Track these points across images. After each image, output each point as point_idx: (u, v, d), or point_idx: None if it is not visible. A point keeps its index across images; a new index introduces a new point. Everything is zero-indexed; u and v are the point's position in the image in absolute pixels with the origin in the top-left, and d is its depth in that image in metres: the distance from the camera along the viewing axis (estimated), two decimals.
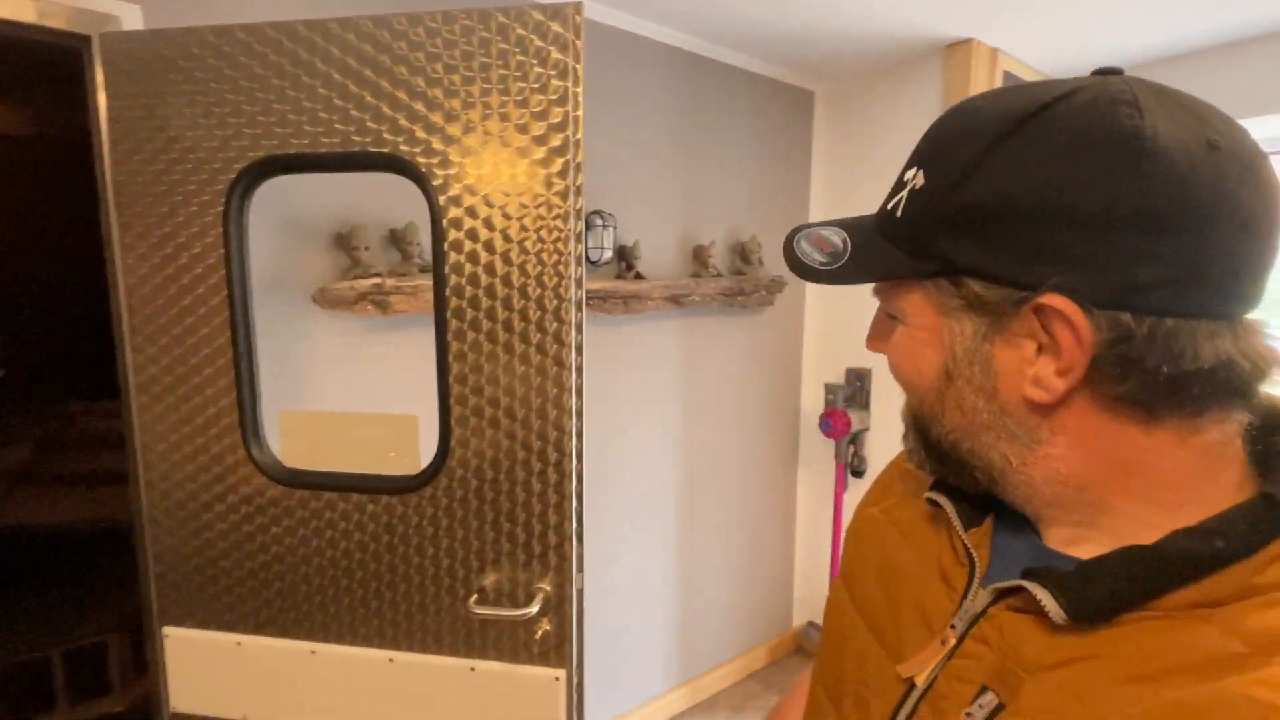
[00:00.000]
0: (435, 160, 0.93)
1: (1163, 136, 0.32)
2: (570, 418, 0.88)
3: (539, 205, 0.89)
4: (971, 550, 0.42)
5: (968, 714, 0.37)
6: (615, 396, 1.92)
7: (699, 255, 1.99)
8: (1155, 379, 0.33)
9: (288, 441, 1.20)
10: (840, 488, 2.38)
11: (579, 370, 0.89)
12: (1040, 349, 0.35)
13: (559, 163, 0.89)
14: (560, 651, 0.91)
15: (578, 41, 0.89)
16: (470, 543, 0.96)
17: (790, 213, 2.33)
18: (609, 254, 1.74)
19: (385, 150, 0.95)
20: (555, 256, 0.88)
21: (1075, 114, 0.33)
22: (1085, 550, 0.37)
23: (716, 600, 2.31)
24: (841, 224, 0.45)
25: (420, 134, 0.93)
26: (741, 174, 2.15)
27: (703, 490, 2.22)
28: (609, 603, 1.98)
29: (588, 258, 1.73)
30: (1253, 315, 0.34)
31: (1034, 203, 0.33)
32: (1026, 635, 0.36)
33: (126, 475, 1.28)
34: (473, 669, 0.97)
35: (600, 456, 1.89)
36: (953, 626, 0.41)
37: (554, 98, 0.89)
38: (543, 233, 0.89)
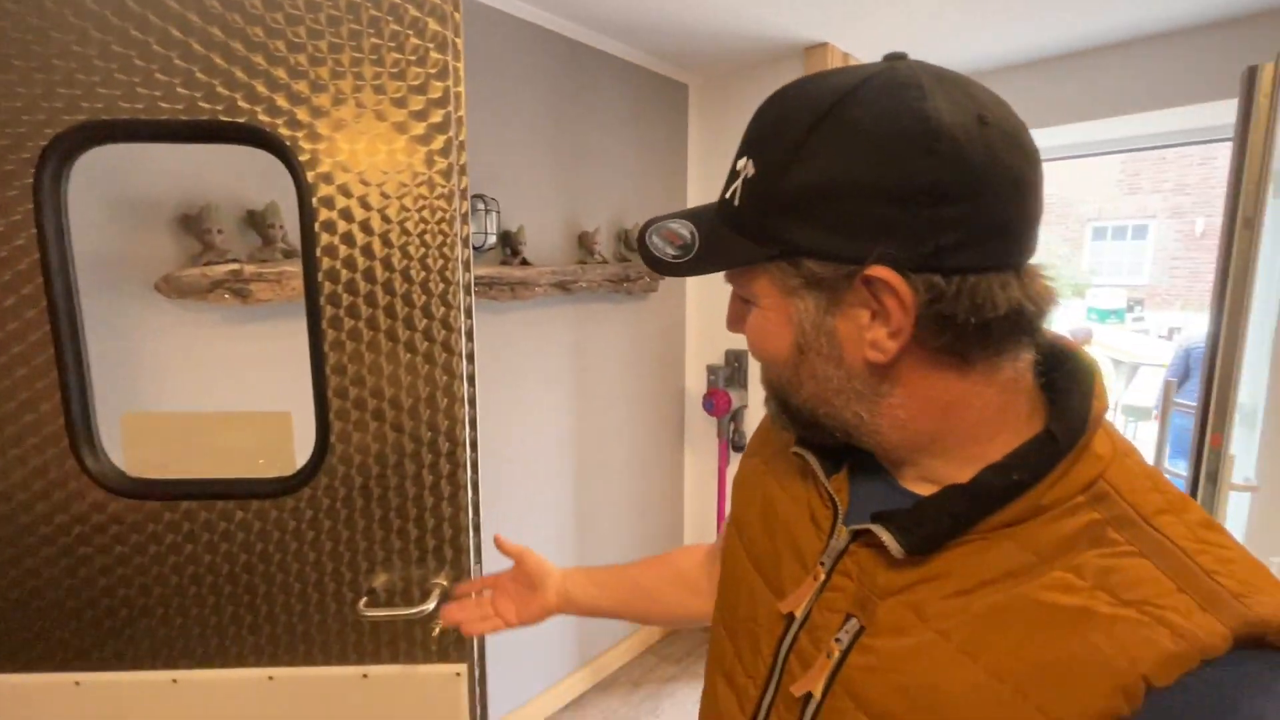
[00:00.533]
0: (301, 132, 0.85)
1: (944, 115, 0.36)
2: (463, 405, 0.85)
3: (420, 184, 0.85)
4: (834, 495, 0.47)
5: (836, 639, 0.43)
6: (506, 384, 1.88)
7: (584, 242, 1.98)
8: (966, 329, 0.38)
9: (133, 449, 1.05)
10: (723, 463, 2.50)
11: (470, 357, 0.85)
12: (873, 315, 0.39)
13: (440, 140, 0.85)
14: (459, 646, 0.88)
15: (456, 14, 0.85)
16: (357, 543, 0.90)
17: (669, 202, 2.38)
18: (493, 239, 1.69)
19: (240, 120, 0.85)
20: (440, 238, 0.84)
21: (872, 98, 0.37)
22: (926, 488, 0.43)
23: None
24: (688, 215, 0.47)
25: (282, 103, 0.84)
26: (623, 162, 2.17)
27: (595, 473, 2.23)
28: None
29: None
30: (1032, 261, 0.40)
31: (849, 182, 0.37)
32: (878, 567, 0.42)
33: None
34: (365, 675, 0.91)
35: (493, 444, 1.84)
36: (822, 564, 0.46)
37: (433, 71, 0.84)
38: (425, 213, 0.84)
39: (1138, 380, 5.89)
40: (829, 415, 0.44)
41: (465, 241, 0.83)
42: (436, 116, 0.85)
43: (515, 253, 1.76)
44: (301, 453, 0.94)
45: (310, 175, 0.84)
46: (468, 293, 0.83)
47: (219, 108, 0.86)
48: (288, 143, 0.84)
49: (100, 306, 1.22)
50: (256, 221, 1.31)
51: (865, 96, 0.37)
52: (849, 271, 0.38)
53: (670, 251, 0.45)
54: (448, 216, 0.84)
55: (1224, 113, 1.91)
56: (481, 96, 1.71)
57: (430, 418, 0.86)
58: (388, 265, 0.84)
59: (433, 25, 0.84)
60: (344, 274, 0.85)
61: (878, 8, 1.76)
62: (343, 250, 0.85)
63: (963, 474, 0.40)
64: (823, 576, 0.45)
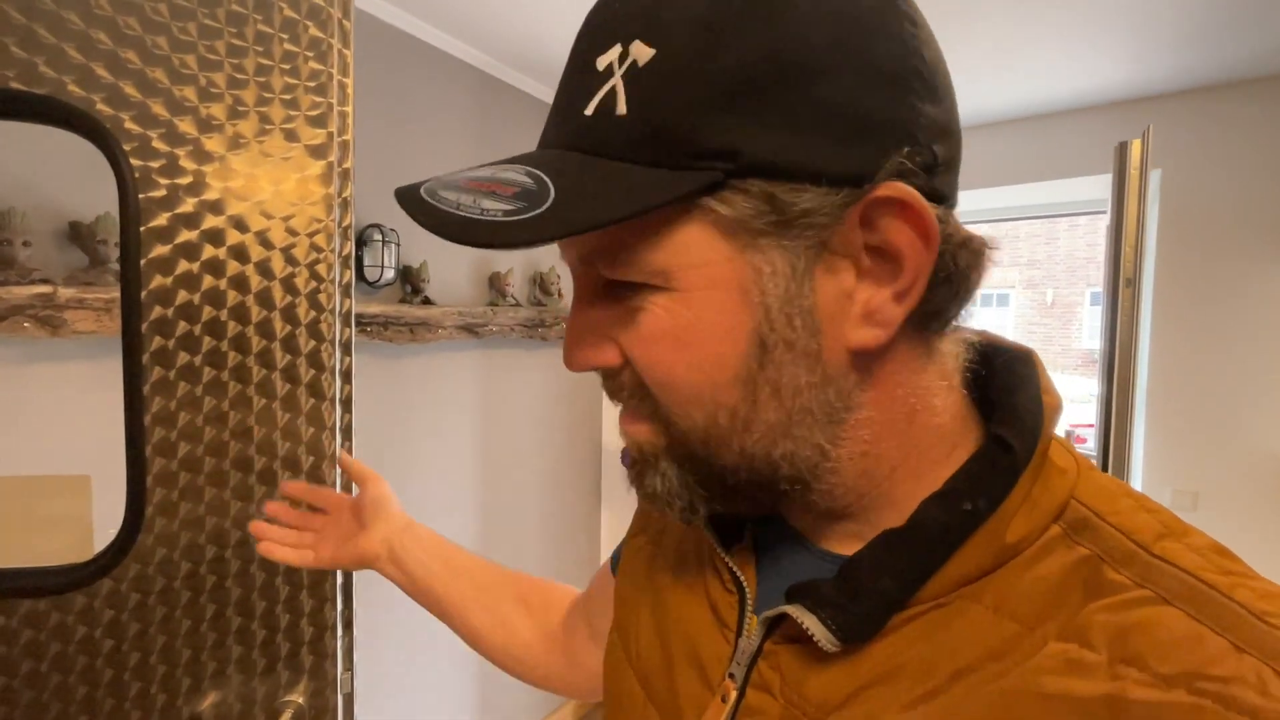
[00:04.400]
0: (128, 114, 0.63)
1: None
2: (333, 465, 0.63)
3: (289, 184, 0.65)
4: (737, 572, 0.33)
5: None
6: (399, 436, 1.62)
7: (495, 283, 1.81)
8: (958, 291, 0.28)
9: None
10: None
11: (348, 403, 0.65)
12: (859, 273, 0.26)
13: (318, 134, 0.66)
14: None
15: (345, 21, 0.69)
16: (178, 652, 0.64)
17: None
18: (391, 274, 1.47)
19: (43, 92, 0.63)
20: (313, 255, 0.64)
21: None
22: (854, 546, 0.29)
23: None
24: (512, 161, 0.28)
25: (104, 75, 0.63)
26: None
27: (503, 536, 1.98)
28: (404, 666, 1.63)
29: (364, 277, 1.44)
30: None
31: (830, 51, 0.24)
32: (808, 670, 0.29)
33: None
34: None
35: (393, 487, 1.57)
36: (730, 675, 0.31)
37: (311, 84, 0.66)
38: (295, 221, 0.65)
39: None
40: (787, 456, 0.28)
41: (346, 261, 0.64)
42: (314, 110, 0.67)
43: (416, 290, 1.55)
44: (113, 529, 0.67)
45: (137, 164, 0.62)
46: (346, 324, 0.64)
47: (10, 73, 0.63)
48: (107, 124, 0.63)
49: None
50: (81, 236, 1.03)
51: None
52: (844, 198, 0.25)
53: (497, 207, 0.26)
54: (323, 228, 0.64)
55: (1087, 188, 2.10)
56: (381, 119, 1.53)
57: (290, 480, 0.63)
58: (240, 285, 0.63)
59: (313, 30, 0.67)
60: (180, 294, 0.63)
61: None
62: (180, 265, 0.63)
63: (895, 521, 0.28)
64: (733, 694, 0.31)
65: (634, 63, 0.25)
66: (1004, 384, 0.30)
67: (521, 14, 1.54)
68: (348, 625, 0.65)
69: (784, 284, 0.26)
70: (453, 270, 1.72)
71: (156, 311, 0.64)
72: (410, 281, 1.54)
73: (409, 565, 0.55)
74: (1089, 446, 2.22)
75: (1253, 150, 1.81)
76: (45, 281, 0.97)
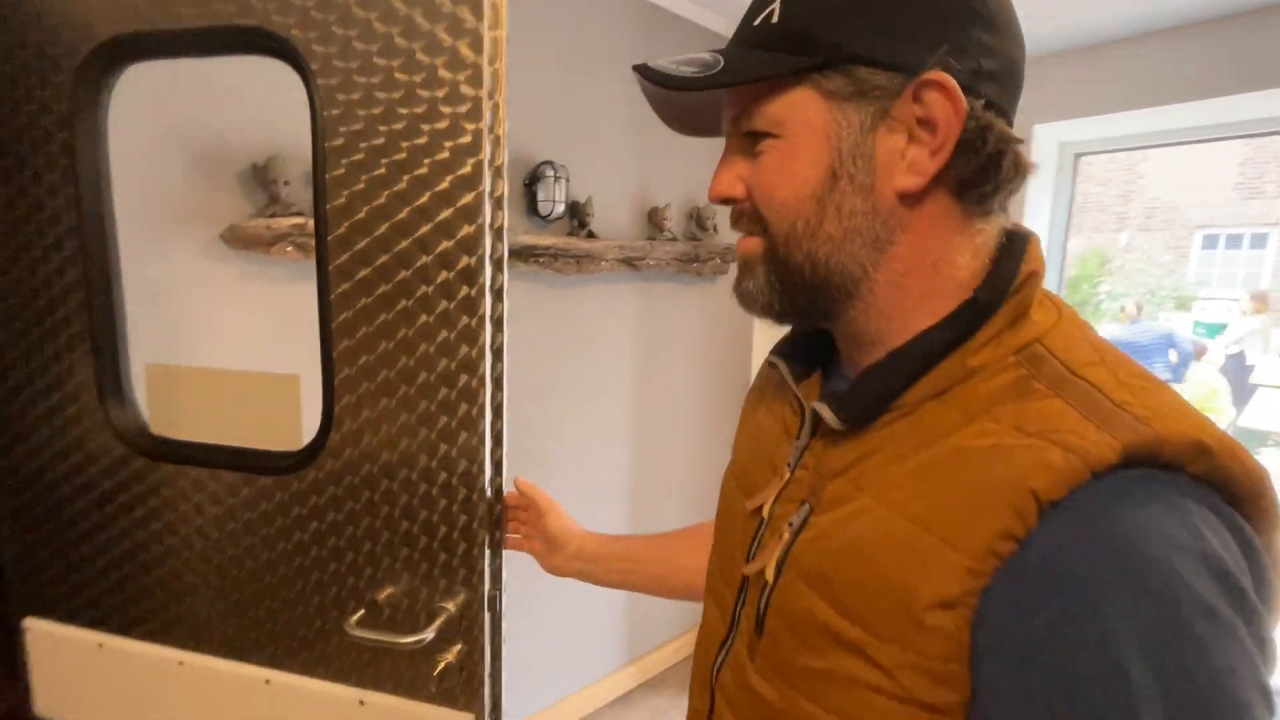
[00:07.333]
0: (313, 34, 0.64)
1: None
2: (484, 385, 0.61)
3: (445, 99, 0.62)
4: (803, 400, 0.45)
5: (790, 524, 0.42)
6: (562, 362, 1.66)
7: (654, 218, 1.73)
8: (985, 165, 0.37)
9: (155, 403, 0.90)
10: None
11: (500, 323, 0.62)
12: (910, 140, 0.37)
13: (471, 55, 0.61)
14: (469, 689, 0.65)
15: None
16: (360, 543, 0.69)
17: None
18: (561, 208, 1.46)
19: (252, 23, 0.66)
20: (466, 164, 0.60)
21: None
22: None
23: None
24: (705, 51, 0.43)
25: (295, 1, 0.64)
26: (698, 138, 1.89)
27: (654, 461, 1.99)
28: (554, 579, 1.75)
29: (537, 211, 1.45)
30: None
31: None
32: (829, 451, 0.42)
33: None
34: (361, 702, 0.71)
35: (543, 425, 1.64)
36: (789, 465, 0.45)
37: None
38: (449, 141, 0.61)
39: (1256, 401, 4.97)
40: (836, 268, 0.40)
41: (499, 172, 0.59)
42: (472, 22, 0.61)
43: (582, 224, 1.54)
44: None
45: (321, 85, 0.63)
46: (499, 239, 0.60)
47: (231, 8, 0.66)
48: (298, 46, 0.64)
49: (166, 254, 1.10)
50: (260, 175, 1.14)
51: None
52: (902, 81, 0.36)
53: (686, 70, 0.40)
54: (477, 143, 0.60)
55: None
56: (553, 58, 1.49)
57: (446, 397, 0.63)
58: (404, 199, 0.62)
59: None
60: (359, 209, 0.64)
61: None
62: (360, 180, 0.64)
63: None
64: (787, 475, 0.45)
65: None
66: (1000, 256, 0.39)
67: None
68: (496, 548, 0.65)
69: (855, 135, 0.38)
70: (615, 207, 1.68)
71: (339, 226, 0.65)
72: (577, 215, 1.53)
73: (597, 579, 0.72)
74: None
75: None
76: (300, 214, 1.10)
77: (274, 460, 0.72)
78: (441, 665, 0.63)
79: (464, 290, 0.60)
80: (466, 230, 0.60)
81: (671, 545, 0.72)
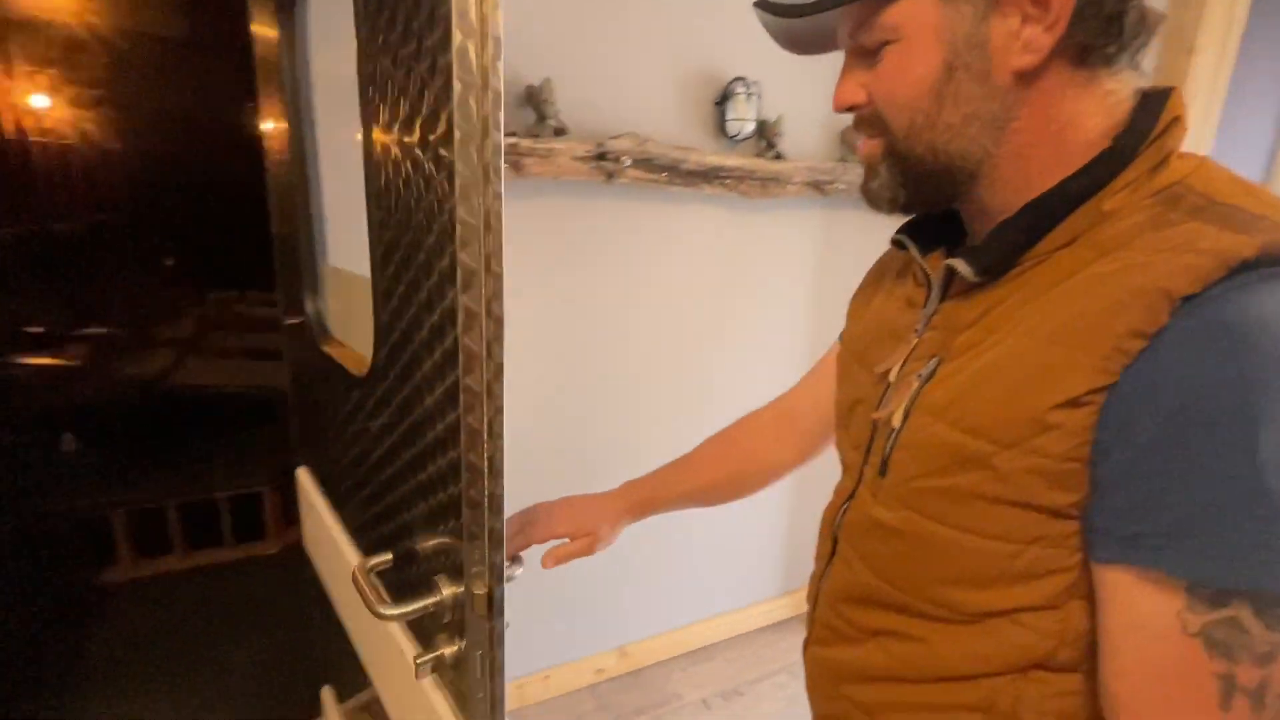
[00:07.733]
0: None
1: None
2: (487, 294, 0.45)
3: None
4: (929, 272, 0.48)
5: (919, 375, 0.44)
6: (737, 289, 1.66)
7: (846, 138, 1.64)
8: (1105, 30, 0.38)
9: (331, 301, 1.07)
10: None
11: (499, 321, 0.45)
12: (1024, 20, 0.38)
13: None
14: (466, 686, 0.53)
15: None
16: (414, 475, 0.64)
17: None
18: (750, 127, 1.44)
19: None
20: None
21: None
22: None
23: None
24: None
25: None
26: None
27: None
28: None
29: (725, 131, 1.44)
30: None
31: None
32: (960, 309, 0.44)
33: (278, 353, 1.23)
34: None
35: (715, 351, 1.66)
36: (916, 331, 0.48)
37: None
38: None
39: None
40: (957, 154, 0.42)
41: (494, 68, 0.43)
42: None
43: (770, 145, 1.50)
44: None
45: None
46: (496, 105, 0.43)
47: None
48: None
49: None
50: (533, 97, 1.23)
51: None
52: None
53: None
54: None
55: None
56: None
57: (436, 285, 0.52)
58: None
59: None
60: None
61: None
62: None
63: None
64: (914, 341, 0.47)
65: None
66: (1136, 109, 0.40)
67: None
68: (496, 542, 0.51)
69: (968, 25, 0.39)
70: (804, 125, 1.61)
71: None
72: (765, 136, 1.50)
73: (665, 510, 0.73)
74: None
75: None
76: (512, 135, 1.19)
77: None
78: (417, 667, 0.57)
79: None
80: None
81: (695, 461, 0.73)
